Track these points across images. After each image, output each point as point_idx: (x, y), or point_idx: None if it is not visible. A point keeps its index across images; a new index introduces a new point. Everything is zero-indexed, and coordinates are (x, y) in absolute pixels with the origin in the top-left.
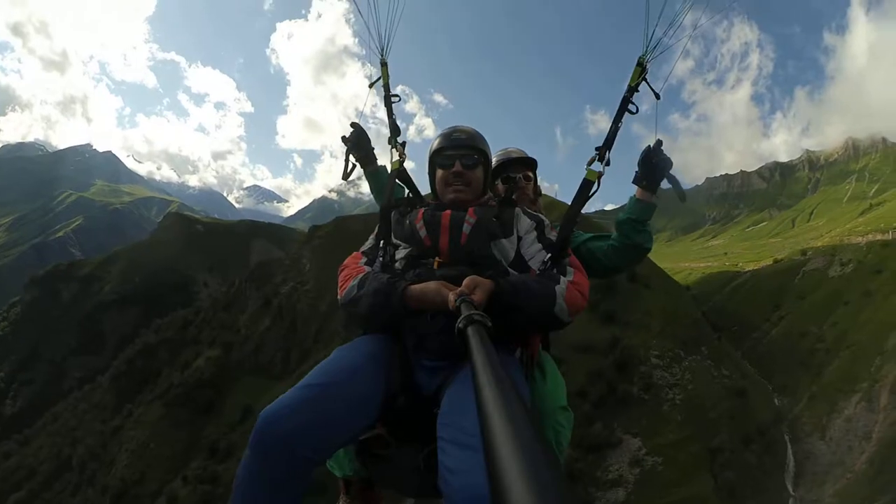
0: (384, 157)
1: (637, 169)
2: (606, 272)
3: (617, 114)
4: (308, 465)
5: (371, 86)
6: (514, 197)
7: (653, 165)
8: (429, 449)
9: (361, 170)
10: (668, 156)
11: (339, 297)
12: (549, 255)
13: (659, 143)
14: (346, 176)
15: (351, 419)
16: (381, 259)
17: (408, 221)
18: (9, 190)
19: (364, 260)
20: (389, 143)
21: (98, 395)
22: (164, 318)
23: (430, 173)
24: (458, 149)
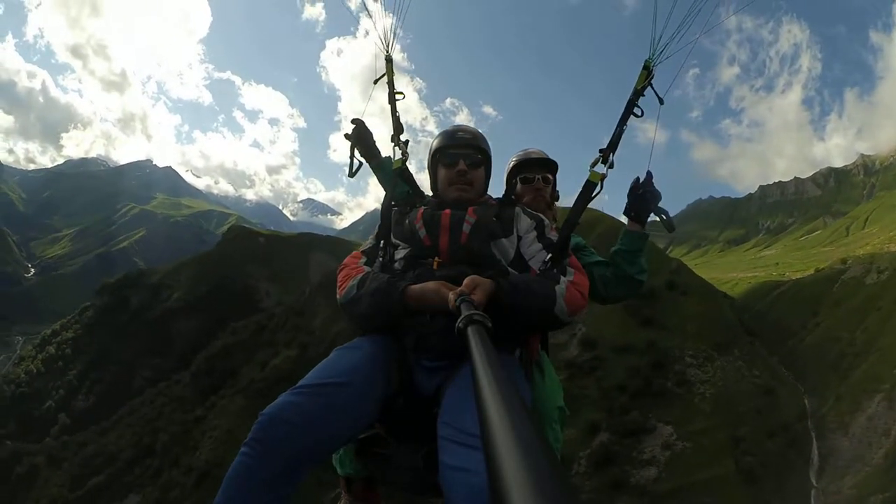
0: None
1: (626, 200)
2: (606, 301)
3: (622, 117)
4: (306, 465)
5: (375, 82)
6: (528, 199)
7: (640, 197)
8: (429, 448)
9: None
10: (657, 189)
11: (338, 297)
12: (550, 254)
13: (649, 175)
14: (352, 173)
15: (350, 419)
16: (380, 259)
17: (407, 221)
18: (73, 203)
19: (364, 260)
20: (392, 141)
21: (178, 389)
22: (230, 324)
23: (431, 172)
24: (462, 148)
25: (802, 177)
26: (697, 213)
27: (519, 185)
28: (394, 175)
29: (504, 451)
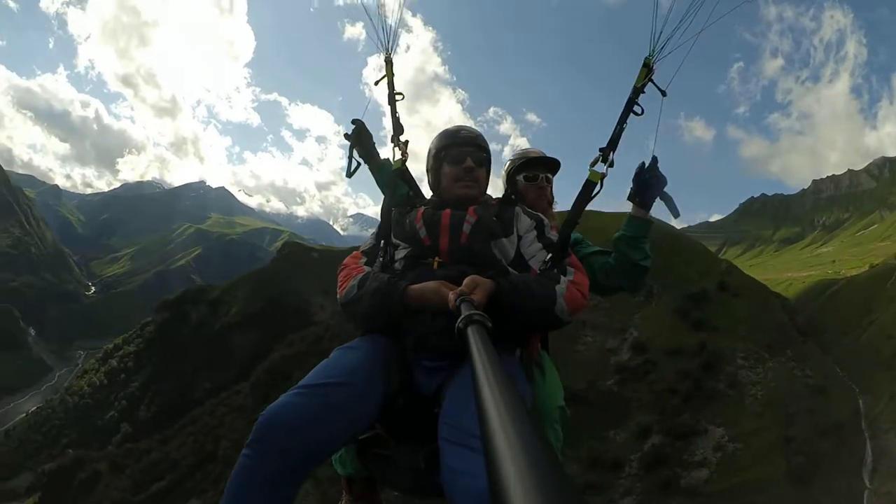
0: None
1: (631, 185)
2: (607, 290)
3: (622, 115)
4: (306, 465)
5: (377, 83)
6: (531, 197)
7: (646, 183)
8: (429, 448)
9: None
10: (663, 174)
11: (338, 296)
12: (550, 254)
13: (654, 160)
14: (349, 173)
15: (351, 420)
16: (381, 259)
17: (407, 221)
18: (130, 224)
19: (364, 260)
20: (392, 142)
21: (239, 399)
22: (287, 336)
23: (433, 171)
24: (468, 146)
25: (856, 169)
26: (750, 213)
27: (522, 183)
28: (394, 175)
29: (504, 452)
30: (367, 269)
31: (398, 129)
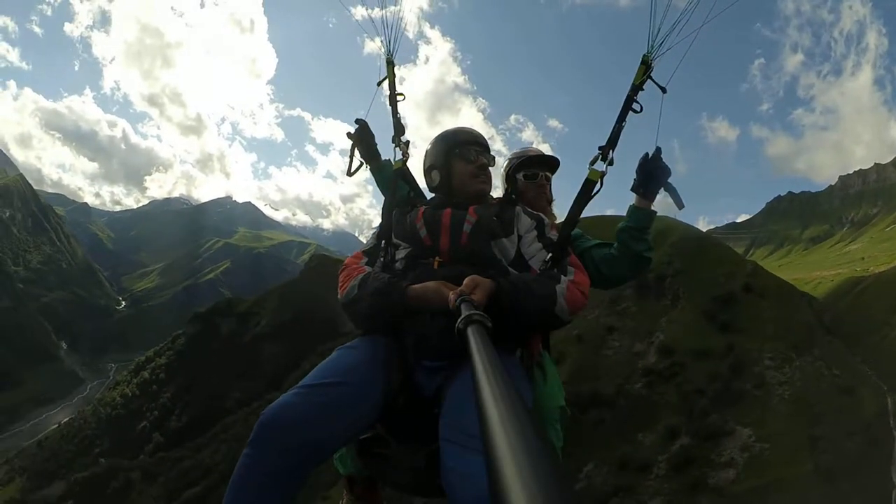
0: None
1: (635, 176)
2: (609, 282)
3: (620, 113)
4: (306, 464)
5: (379, 84)
6: (531, 195)
7: (649, 173)
8: (430, 449)
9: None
10: (667, 164)
11: (339, 297)
12: (550, 254)
13: (658, 150)
14: (350, 172)
15: (351, 419)
16: (381, 259)
17: (408, 221)
18: (159, 240)
19: (365, 260)
20: (393, 142)
21: None
22: (317, 347)
23: (440, 169)
24: (479, 145)
25: (883, 162)
26: (777, 212)
27: (521, 182)
28: (394, 175)
29: (504, 453)
30: (367, 269)
31: (399, 129)
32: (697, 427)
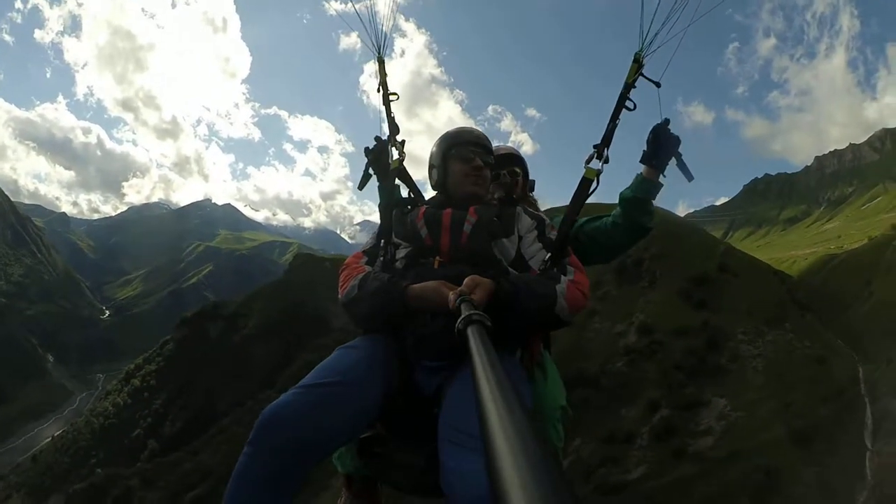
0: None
1: (645, 148)
2: (609, 253)
3: (614, 111)
4: (306, 464)
5: (378, 90)
6: (514, 196)
7: (661, 143)
8: (429, 448)
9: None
10: (675, 134)
11: (339, 296)
12: (549, 254)
13: (666, 121)
14: (361, 185)
15: (351, 419)
16: (381, 258)
17: (409, 220)
18: (140, 246)
19: (365, 259)
20: (389, 142)
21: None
22: (308, 343)
23: (439, 168)
24: (477, 147)
25: (857, 142)
26: (755, 194)
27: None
28: (392, 175)
29: (503, 453)
30: (368, 268)
31: (394, 129)
32: (676, 399)
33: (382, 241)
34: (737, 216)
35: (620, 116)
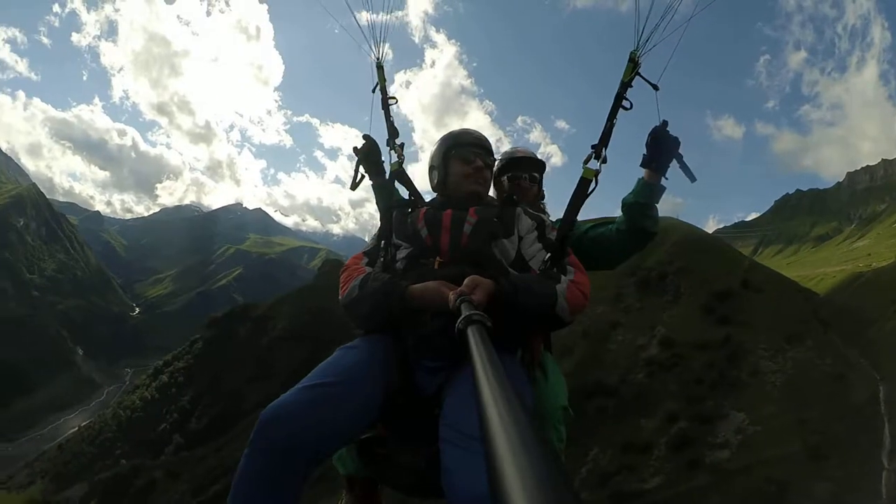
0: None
1: (644, 152)
2: (614, 260)
3: (611, 111)
4: (307, 464)
5: (374, 91)
6: (515, 197)
7: (660, 145)
8: (430, 449)
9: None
10: (674, 135)
11: (340, 297)
12: (549, 254)
13: (664, 122)
14: (354, 186)
15: (351, 419)
16: (382, 259)
17: (409, 221)
18: (171, 247)
19: (366, 260)
20: (388, 145)
21: None
22: (333, 351)
23: (439, 168)
24: (478, 147)
25: (889, 158)
26: (786, 210)
27: (507, 184)
28: (391, 177)
29: (504, 453)
30: (368, 269)
31: (393, 132)
32: (695, 412)
33: (383, 242)
34: (767, 232)
35: (617, 116)
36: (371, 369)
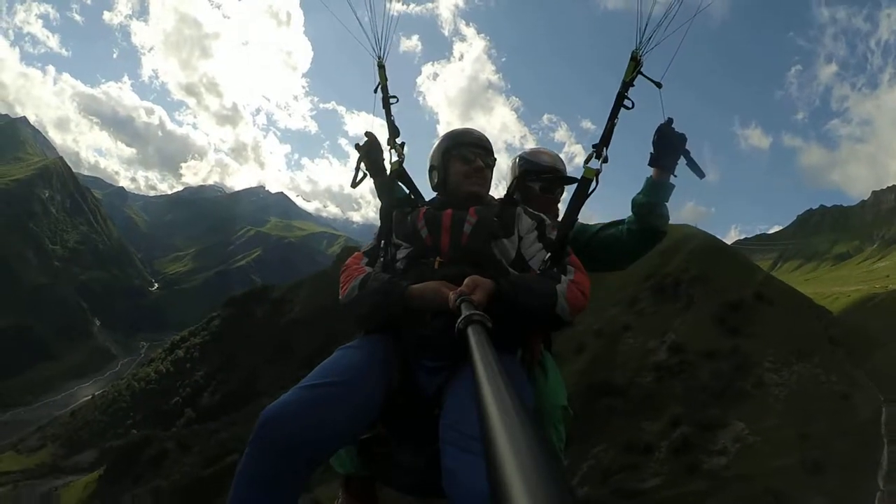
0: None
1: (651, 151)
2: (625, 260)
3: (612, 110)
4: (307, 465)
5: (375, 90)
6: (539, 206)
7: (667, 143)
8: (430, 449)
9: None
10: (680, 132)
11: (340, 297)
12: (550, 254)
13: (670, 120)
14: (354, 184)
15: (351, 419)
16: (382, 259)
17: (409, 220)
18: (193, 225)
19: (366, 260)
20: (388, 144)
21: None
22: (350, 337)
23: (439, 168)
24: (478, 147)
25: None
26: (809, 225)
27: (534, 191)
28: (392, 176)
29: (504, 453)
30: (368, 269)
31: (394, 131)
32: (698, 418)
33: (383, 241)
34: (788, 247)
35: (619, 115)
36: (371, 369)
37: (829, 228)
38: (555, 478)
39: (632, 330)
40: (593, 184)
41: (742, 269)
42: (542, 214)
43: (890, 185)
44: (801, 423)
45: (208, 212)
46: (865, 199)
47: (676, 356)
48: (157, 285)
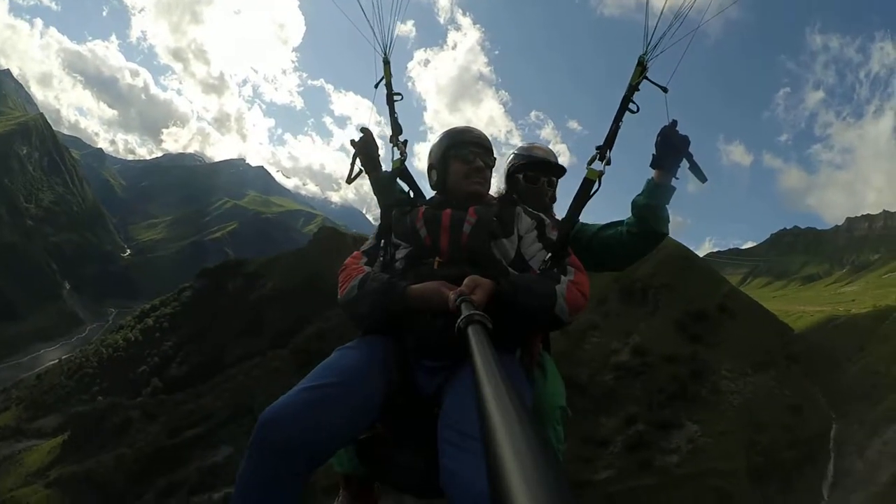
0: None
1: (654, 152)
2: (623, 260)
3: (617, 113)
4: (308, 465)
5: (376, 86)
6: (529, 199)
7: (670, 145)
8: (430, 449)
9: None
10: (684, 134)
11: (339, 297)
12: (550, 254)
13: (674, 122)
14: (350, 179)
15: (351, 421)
16: (381, 259)
17: (408, 220)
18: (170, 193)
19: (364, 260)
20: (391, 142)
21: (276, 363)
22: (323, 313)
23: (438, 167)
24: (477, 147)
25: (892, 210)
26: (781, 244)
27: (521, 183)
28: (393, 174)
29: (504, 453)
30: (367, 269)
31: (397, 129)
32: (653, 417)
33: (382, 241)
34: (759, 263)
35: (623, 119)
36: (370, 370)
37: (801, 249)
38: (554, 478)
39: (598, 329)
40: (595, 185)
41: (709, 280)
42: (541, 214)
43: (865, 213)
44: (752, 431)
45: (186, 180)
46: (840, 224)
47: (638, 358)
48: (129, 252)
